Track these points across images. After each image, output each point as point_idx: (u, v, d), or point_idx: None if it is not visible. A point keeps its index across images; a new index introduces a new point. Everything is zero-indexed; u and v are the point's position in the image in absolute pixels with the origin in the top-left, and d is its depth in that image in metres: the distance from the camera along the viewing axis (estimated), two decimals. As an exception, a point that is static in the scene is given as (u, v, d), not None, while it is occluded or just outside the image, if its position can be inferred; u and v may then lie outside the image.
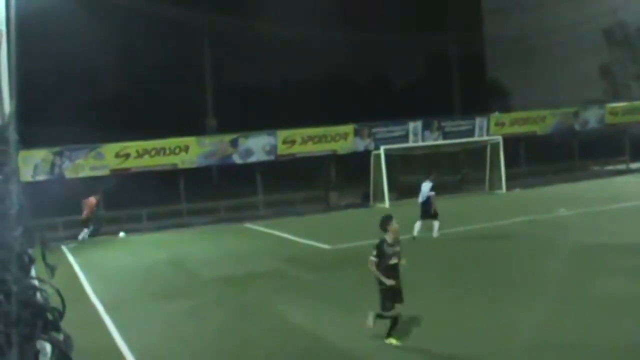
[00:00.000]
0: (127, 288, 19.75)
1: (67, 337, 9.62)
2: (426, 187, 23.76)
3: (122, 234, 32.78)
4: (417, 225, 23.65)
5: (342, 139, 38.60)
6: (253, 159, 36.74)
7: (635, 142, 46.89)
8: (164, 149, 35.14)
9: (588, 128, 45.06)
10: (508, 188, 38.23)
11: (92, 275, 21.93)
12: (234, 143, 36.41)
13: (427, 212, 23.70)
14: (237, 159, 36.50)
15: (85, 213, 30.33)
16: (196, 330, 14.44)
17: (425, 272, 18.08)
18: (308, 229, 29.30)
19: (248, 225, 32.69)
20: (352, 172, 38.83)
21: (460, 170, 40.69)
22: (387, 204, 35.38)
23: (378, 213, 33.96)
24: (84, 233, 30.20)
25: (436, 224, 23.73)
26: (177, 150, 35.32)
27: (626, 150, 46.46)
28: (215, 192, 38.23)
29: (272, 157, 37.02)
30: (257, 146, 36.71)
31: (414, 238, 22.90)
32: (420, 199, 23.94)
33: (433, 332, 12.85)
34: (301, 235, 27.18)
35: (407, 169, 37.67)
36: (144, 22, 44.59)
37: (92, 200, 30.68)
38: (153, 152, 34.95)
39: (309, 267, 20.87)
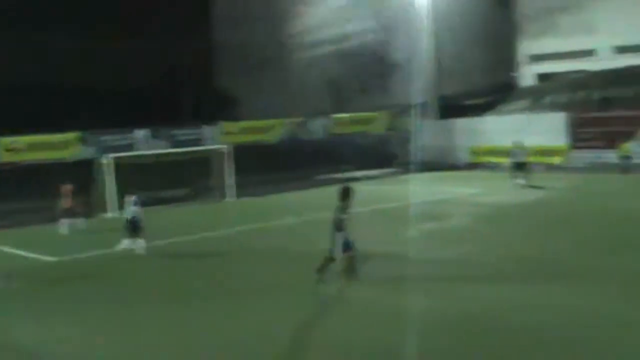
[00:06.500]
0: None
1: None
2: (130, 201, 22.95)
3: None
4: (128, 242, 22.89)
5: (69, 146, 37.39)
6: (-28, 167, 34.66)
7: (359, 152, 49.33)
8: None
9: (315, 138, 46.77)
10: (238, 196, 38.77)
11: None
12: (-49, 151, 34.15)
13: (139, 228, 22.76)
14: (-45, 168, 34.27)
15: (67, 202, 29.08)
16: None
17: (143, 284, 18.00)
18: (31, 240, 27.88)
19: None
20: (78, 180, 37.59)
21: (191, 178, 40.57)
22: (111, 213, 34.48)
23: (102, 223, 33.06)
24: (80, 222, 29.14)
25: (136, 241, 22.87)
26: None
27: (351, 159, 48.69)
28: None
29: (-7, 165, 35.11)
30: (-23, 154, 34.65)
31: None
32: (130, 214, 22.89)
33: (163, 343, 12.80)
34: (24, 247, 25.74)
35: (136, 178, 37.03)
36: None
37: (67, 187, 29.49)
38: None
39: (33, 282, 19.92)
